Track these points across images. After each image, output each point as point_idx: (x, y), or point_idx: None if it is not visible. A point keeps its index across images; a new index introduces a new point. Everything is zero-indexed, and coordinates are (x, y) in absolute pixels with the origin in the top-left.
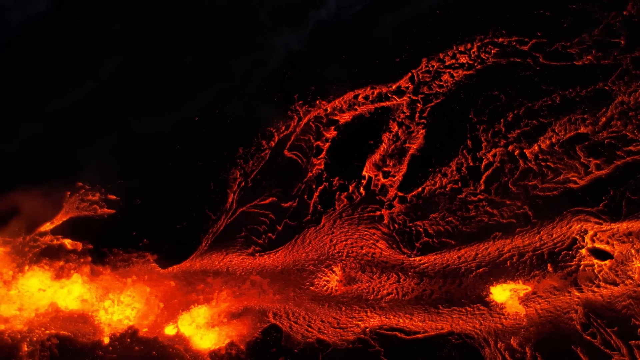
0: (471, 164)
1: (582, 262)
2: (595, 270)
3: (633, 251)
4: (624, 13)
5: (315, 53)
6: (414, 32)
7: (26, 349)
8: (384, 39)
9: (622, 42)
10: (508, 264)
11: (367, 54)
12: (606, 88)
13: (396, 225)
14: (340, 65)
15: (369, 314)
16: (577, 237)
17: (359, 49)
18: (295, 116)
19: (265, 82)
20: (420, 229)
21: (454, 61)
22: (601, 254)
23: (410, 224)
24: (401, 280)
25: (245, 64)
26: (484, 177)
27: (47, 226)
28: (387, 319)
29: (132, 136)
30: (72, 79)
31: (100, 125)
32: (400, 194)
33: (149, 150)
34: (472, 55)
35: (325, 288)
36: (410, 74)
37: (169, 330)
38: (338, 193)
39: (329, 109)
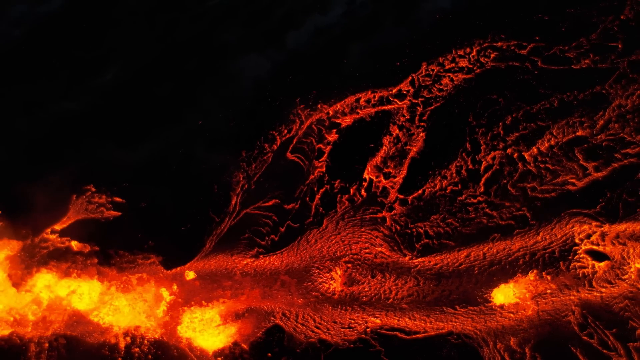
0: (470, 166)
1: (579, 263)
2: (593, 271)
3: (630, 252)
4: (621, 17)
5: (317, 56)
6: (413, 37)
7: (34, 349)
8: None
9: (620, 46)
10: (520, 263)
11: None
12: (603, 91)
13: (398, 227)
14: (342, 69)
15: (388, 314)
16: (574, 238)
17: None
18: (297, 120)
19: (267, 86)
20: (421, 230)
21: (453, 65)
22: (598, 255)
23: (412, 226)
24: (421, 283)
25: (248, 71)
26: (483, 180)
27: (54, 229)
28: (398, 321)
29: (138, 141)
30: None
31: (105, 130)
32: (400, 196)
33: (153, 155)
34: (472, 59)
35: (328, 289)
36: (410, 77)
37: (176, 330)
38: (339, 195)
39: (330, 112)
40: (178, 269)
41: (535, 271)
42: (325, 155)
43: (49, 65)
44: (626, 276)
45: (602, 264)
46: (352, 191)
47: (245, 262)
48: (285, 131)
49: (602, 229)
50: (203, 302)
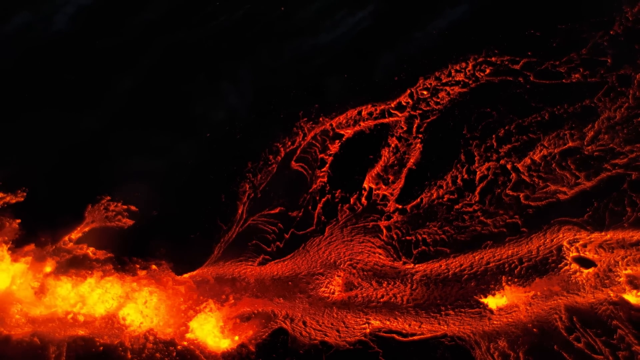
0: (465, 177)
1: (569, 269)
2: (581, 278)
3: (616, 259)
4: (611, 33)
5: (318, 72)
6: (411, 52)
7: (53, 350)
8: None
9: (609, 60)
10: (512, 268)
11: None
12: (592, 105)
13: (399, 233)
14: (342, 84)
15: (439, 318)
16: (564, 245)
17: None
18: (300, 132)
19: (271, 100)
20: (419, 237)
21: (450, 79)
22: (586, 262)
23: (412, 233)
24: (464, 284)
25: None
26: (478, 189)
27: (72, 237)
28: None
29: (149, 153)
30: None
31: (115, 142)
32: (398, 206)
33: (164, 166)
34: (468, 74)
35: (330, 294)
36: (409, 91)
37: (188, 332)
38: (340, 205)
39: (334, 124)
40: (188, 274)
41: (525, 277)
42: (327, 165)
43: (63, 79)
44: (613, 282)
45: (589, 271)
46: (352, 200)
47: (251, 268)
48: (289, 143)
49: (590, 236)
50: (213, 305)
